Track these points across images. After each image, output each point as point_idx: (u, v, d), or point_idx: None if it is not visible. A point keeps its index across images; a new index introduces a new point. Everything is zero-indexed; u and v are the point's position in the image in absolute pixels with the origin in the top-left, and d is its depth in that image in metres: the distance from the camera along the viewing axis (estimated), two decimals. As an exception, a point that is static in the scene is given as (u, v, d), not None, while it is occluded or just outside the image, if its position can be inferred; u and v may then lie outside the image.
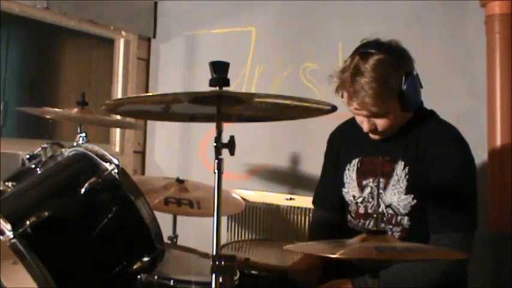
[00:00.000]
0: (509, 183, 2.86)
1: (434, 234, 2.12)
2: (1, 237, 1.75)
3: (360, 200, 2.30)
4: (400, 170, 2.19)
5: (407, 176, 2.17)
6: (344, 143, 2.43)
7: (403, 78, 2.10)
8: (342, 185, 2.36)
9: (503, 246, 2.86)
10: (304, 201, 3.38)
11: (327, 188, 2.48)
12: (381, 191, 2.21)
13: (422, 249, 1.63)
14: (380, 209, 2.21)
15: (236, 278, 2.01)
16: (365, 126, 2.19)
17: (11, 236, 1.74)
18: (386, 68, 2.08)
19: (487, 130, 2.98)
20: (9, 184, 2.31)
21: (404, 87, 2.10)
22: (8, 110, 3.44)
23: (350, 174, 2.34)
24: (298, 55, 3.72)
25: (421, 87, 2.20)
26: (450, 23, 3.24)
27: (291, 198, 3.54)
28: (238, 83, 3.84)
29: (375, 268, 1.61)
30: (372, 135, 2.23)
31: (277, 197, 3.62)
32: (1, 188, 2.28)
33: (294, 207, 3.53)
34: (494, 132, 2.93)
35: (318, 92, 3.59)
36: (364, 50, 2.12)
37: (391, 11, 3.37)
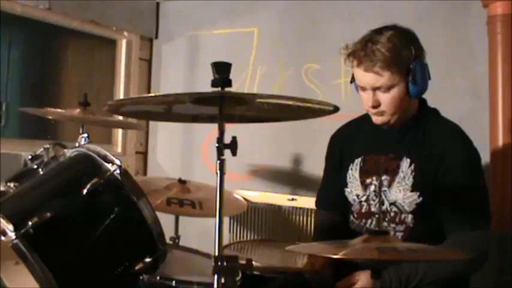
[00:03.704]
0: (511, 184, 2.86)
1: (452, 234, 2.11)
2: (3, 238, 1.75)
3: (363, 198, 2.29)
4: (405, 167, 2.18)
5: (413, 173, 2.16)
6: (346, 144, 2.42)
7: (414, 56, 2.13)
8: (345, 185, 2.35)
9: (504, 246, 2.86)
10: (306, 201, 3.39)
11: (331, 190, 2.47)
12: (385, 189, 2.20)
13: (424, 250, 1.63)
14: (384, 207, 2.20)
15: (238, 278, 2.02)
16: (369, 100, 2.18)
17: (13, 237, 1.74)
18: (399, 41, 2.13)
19: (489, 131, 2.98)
20: (12, 185, 2.31)
21: (413, 65, 2.12)
22: (10, 110, 3.44)
23: (353, 173, 2.33)
24: (300, 56, 3.72)
25: (429, 78, 2.20)
26: (452, 23, 3.24)
27: (293, 199, 3.54)
28: (241, 83, 3.85)
29: (378, 268, 1.62)
30: (374, 117, 2.23)
31: (279, 198, 3.62)
32: (3, 189, 2.29)
33: (296, 207, 3.53)
34: (496, 133, 2.93)
35: (320, 92, 3.59)
36: (378, 28, 2.18)
37: (393, 11, 3.37)
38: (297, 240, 3.33)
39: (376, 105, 2.18)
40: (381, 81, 2.12)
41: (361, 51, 2.13)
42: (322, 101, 1.67)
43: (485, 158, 2.94)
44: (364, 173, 2.30)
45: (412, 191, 2.16)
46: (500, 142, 2.91)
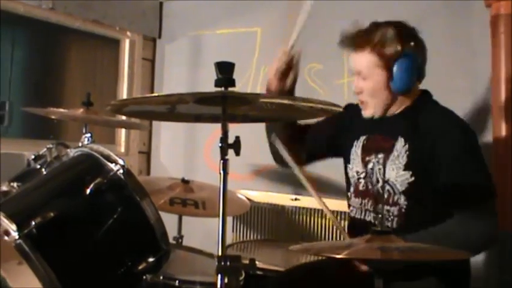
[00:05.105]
0: (511, 184, 2.85)
1: (457, 213, 2.11)
2: (6, 238, 1.76)
3: (362, 175, 2.33)
4: (400, 146, 2.21)
5: (407, 153, 2.19)
6: (356, 118, 2.43)
7: (400, 52, 2.20)
8: (348, 161, 2.41)
9: (504, 246, 2.85)
10: (310, 201, 3.37)
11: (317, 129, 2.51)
12: (380, 167, 2.24)
13: (426, 250, 1.63)
14: (379, 185, 2.24)
15: (241, 278, 2.02)
16: (355, 83, 2.29)
17: (17, 237, 1.75)
18: (389, 35, 2.24)
19: (492, 131, 2.97)
20: (15, 184, 2.32)
21: (396, 61, 2.19)
22: (13, 110, 3.44)
23: (356, 150, 2.37)
24: (303, 55, 3.71)
25: (422, 76, 2.29)
26: (455, 23, 3.23)
27: (296, 199, 3.54)
28: (244, 83, 3.84)
29: (381, 268, 1.62)
30: (362, 111, 2.31)
31: (282, 198, 3.61)
32: (6, 189, 2.29)
33: (299, 207, 3.53)
34: (499, 133, 2.92)
35: (323, 92, 3.59)
36: (378, 22, 2.32)
37: (396, 11, 3.34)
38: (300, 240, 3.33)
39: (358, 91, 2.29)
40: (360, 66, 2.24)
41: (354, 36, 2.27)
42: (324, 101, 1.68)
43: (486, 158, 2.94)
44: (365, 151, 2.34)
45: (404, 170, 2.18)
46: (503, 142, 2.90)
